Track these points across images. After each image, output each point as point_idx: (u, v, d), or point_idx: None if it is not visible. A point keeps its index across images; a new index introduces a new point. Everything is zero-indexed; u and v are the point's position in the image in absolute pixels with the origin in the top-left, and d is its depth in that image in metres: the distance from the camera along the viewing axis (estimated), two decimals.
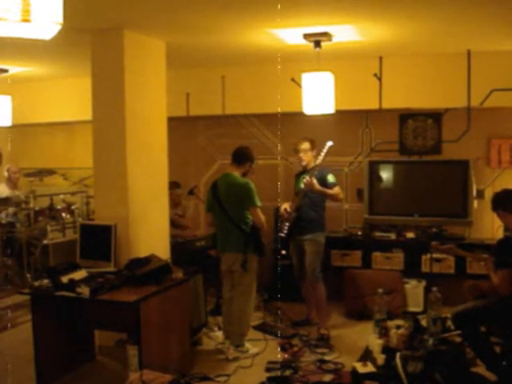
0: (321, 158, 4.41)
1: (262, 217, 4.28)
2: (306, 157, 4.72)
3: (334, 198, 4.68)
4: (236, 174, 4.37)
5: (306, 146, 4.71)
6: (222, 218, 4.33)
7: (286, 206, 4.74)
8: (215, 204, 4.39)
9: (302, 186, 4.57)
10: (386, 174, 5.70)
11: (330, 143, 4.38)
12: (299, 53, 4.92)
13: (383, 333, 3.79)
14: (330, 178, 4.66)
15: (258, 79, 5.80)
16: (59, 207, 6.49)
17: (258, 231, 4.28)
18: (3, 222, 6.21)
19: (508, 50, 4.93)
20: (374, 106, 5.47)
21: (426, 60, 5.26)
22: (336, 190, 4.67)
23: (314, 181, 4.46)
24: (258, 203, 4.25)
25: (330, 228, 5.05)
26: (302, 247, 4.74)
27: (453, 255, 5.04)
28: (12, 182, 6.77)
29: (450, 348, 3.53)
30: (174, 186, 5.62)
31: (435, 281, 4.90)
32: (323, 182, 4.60)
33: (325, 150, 4.38)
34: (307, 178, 4.45)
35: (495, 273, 3.71)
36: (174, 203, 5.63)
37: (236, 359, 4.19)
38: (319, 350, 4.32)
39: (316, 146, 4.72)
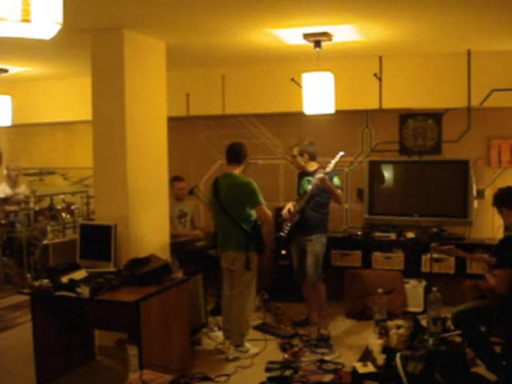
0: (331, 165, 4.49)
1: (269, 213, 4.31)
2: (298, 163, 4.78)
3: (338, 198, 4.71)
4: (237, 173, 4.36)
5: (294, 152, 4.78)
6: (223, 217, 4.32)
7: (289, 207, 4.74)
8: (216, 203, 4.38)
9: (309, 187, 4.61)
10: (386, 174, 5.70)
11: (341, 153, 4.50)
12: (299, 53, 4.92)
13: (383, 333, 3.79)
14: (336, 181, 4.71)
15: (257, 79, 5.81)
16: (59, 207, 6.50)
17: (259, 230, 4.29)
18: (3, 221, 6.21)
19: (508, 49, 4.93)
20: (374, 106, 5.48)
21: (426, 60, 5.26)
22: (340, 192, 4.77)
23: (326, 176, 4.52)
24: (263, 201, 4.27)
25: (330, 228, 5.04)
26: (303, 248, 4.75)
27: (452, 256, 5.04)
28: (11, 181, 6.78)
29: (450, 348, 3.53)
30: (175, 179, 5.53)
31: (435, 281, 4.91)
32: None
33: (336, 159, 4.48)
34: (321, 175, 4.46)
35: (491, 273, 3.71)
36: (177, 197, 5.57)
37: (236, 359, 4.19)
38: (319, 350, 4.32)
39: (304, 145, 4.77)
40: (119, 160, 4.21)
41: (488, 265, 3.89)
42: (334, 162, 4.48)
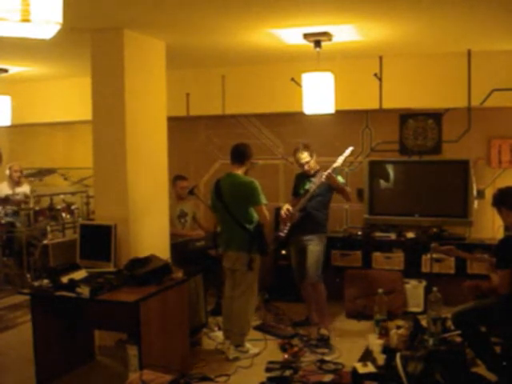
0: (340, 161, 4.50)
1: (267, 214, 4.29)
2: (312, 165, 4.75)
3: (348, 195, 4.75)
4: (239, 173, 4.36)
5: (306, 157, 4.72)
6: (226, 217, 4.32)
7: (287, 207, 4.74)
8: (219, 204, 4.37)
9: (312, 186, 4.61)
10: (386, 174, 5.70)
11: (351, 148, 4.51)
12: (299, 53, 4.92)
13: (383, 333, 3.79)
14: (341, 179, 4.74)
15: (257, 79, 5.80)
16: (59, 207, 6.50)
17: (261, 230, 4.28)
18: (3, 221, 6.21)
19: (508, 49, 4.93)
20: (374, 105, 5.47)
21: (426, 60, 5.26)
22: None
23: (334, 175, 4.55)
24: (264, 201, 4.25)
25: (330, 228, 5.05)
26: (303, 247, 4.74)
27: (452, 256, 5.04)
28: (13, 181, 6.78)
29: (450, 348, 3.53)
30: (178, 178, 5.54)
31: (435, 281, 4.91)
32: None
33: (346, 154, 4.50)
34: (329, 171, 4.47)
35: (495, 273, 3.70)
36: (179, 196, 5.56)
37: (236, 359, 4.19)
38: (319, 350, 4.31)
39: (310, 148, 4.75)
40: (119, 160, 4.21)
41: (490, 265, 3.88)
42: (343, 156, 4.48)
